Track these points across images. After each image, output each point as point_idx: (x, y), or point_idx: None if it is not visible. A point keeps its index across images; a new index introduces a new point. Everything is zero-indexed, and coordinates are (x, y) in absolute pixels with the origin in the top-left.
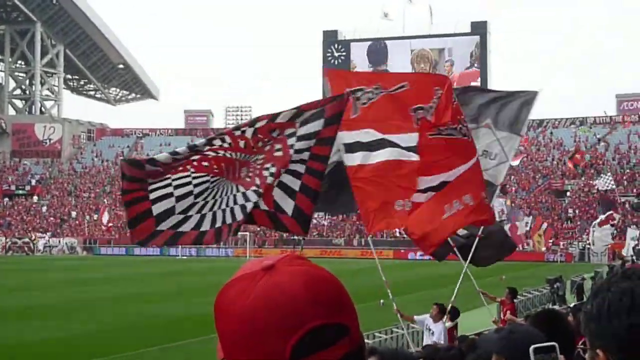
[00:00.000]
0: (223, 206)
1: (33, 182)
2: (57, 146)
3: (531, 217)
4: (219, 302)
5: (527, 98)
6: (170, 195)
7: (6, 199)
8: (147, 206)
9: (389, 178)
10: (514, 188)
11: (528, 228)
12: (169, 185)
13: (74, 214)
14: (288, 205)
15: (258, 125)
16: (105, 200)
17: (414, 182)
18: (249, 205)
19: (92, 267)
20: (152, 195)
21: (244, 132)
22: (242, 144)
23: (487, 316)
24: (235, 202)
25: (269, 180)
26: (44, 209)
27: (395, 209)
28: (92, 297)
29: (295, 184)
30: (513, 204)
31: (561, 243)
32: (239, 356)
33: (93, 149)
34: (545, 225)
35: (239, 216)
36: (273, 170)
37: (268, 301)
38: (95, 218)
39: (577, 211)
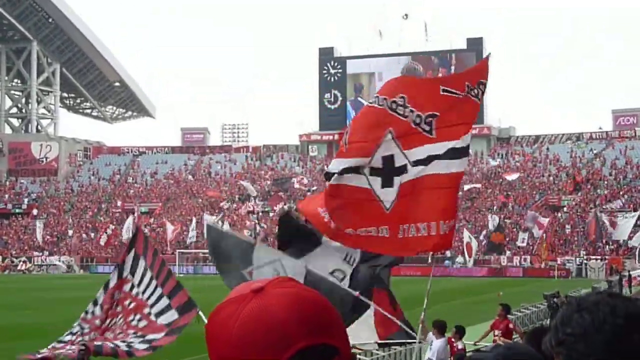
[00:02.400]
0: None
1: (29, 200)
2: (53, 164)
3: (527, 233)
4: (209, 326)
5: None
6: None
7: (2, 219)
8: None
9: (363, 203)
10: (511, 204)
11: (525, 244)
12: None
13: (70, 232)
14: (172, 315)
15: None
16: (102, 218)
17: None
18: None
19: (90, 285)
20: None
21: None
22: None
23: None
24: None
25: (142, 324)
26: (41, 227)
27: (357, 232)
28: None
29: (164, 303)
30: (510, 220)
31: (558, 259)
32: None
33: (90, 167)
34: (543, 243)
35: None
36: (139, 316)
37: (256, 324)
38: (92, 236)
39: (574, 227)
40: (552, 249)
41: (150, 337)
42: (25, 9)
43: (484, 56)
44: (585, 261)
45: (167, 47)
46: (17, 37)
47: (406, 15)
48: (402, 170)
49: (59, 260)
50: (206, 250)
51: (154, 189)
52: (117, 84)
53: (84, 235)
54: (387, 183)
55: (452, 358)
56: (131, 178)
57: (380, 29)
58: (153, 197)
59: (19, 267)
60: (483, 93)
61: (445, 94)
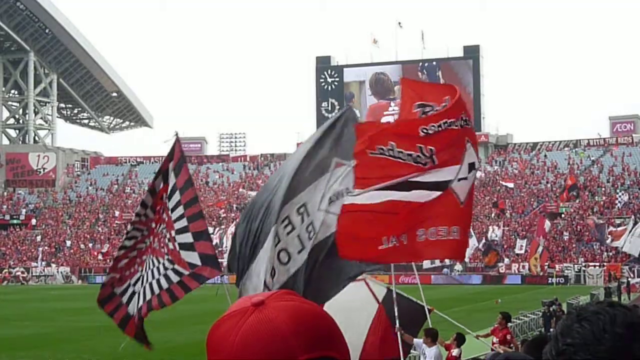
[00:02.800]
0: (146, 282)
1: (27, 211)
2: (51, 175)
3: (526, 240)
4: (210, 340)
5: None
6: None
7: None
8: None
9: (382, 215)
10: (509, 211)
11: (523, 251)
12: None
13: (68, 242)
14: (195, 258)
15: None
16: (100, 229)
17: (410, 222)
18: (172, 278)
19: (88, 296)
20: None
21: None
22: (150, 214)
23: (485, 341)
24: (157, 274)
25: (171, 246)
26: (39, 238)
27: (380, 247)
28: (86, 326)
29: (187, 237)
30: (507, 227)
31: (557, 266)
32: None
33: (87, 177)
34: (541, 248)
35: (164, 285)
36: (169, 235)
37: (257, 337)
38: (90, 246)
39: (572, 234)
40: (551, 256)
41: (178, 268)
42: (22, 19)
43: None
44: (583, 268)
45: (164, 57)
46: (14, 47)
47: (400, 23)
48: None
49: (57, 271)
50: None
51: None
52: (114, 94)
53: (82, 246)
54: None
55: None
56: (129, 188)
57: (376, 37)
58: None
59: (14, 274)
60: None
61: (424, 134)
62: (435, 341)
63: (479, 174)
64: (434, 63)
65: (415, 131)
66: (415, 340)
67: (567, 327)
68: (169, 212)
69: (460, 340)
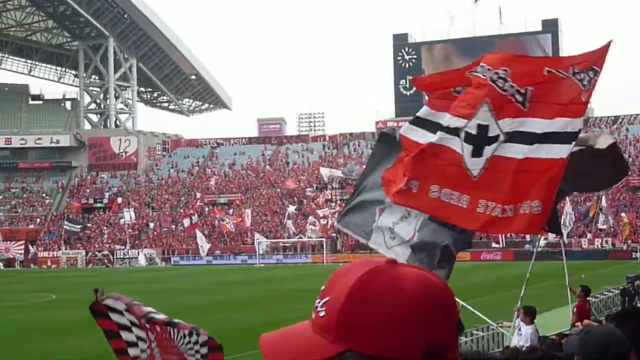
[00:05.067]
0: None
1: (110, 195)
2: (133, 159)
3: (610, 215)
4: (359, 291)
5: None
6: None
7: (85, 213)
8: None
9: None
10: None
11: (606, 226)
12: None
13: (151, 225)
14: None
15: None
16: (182, 210)
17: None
18: None
19: (172, 277)
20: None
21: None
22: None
23: (566, 316)
24: None
25: None
26: (122, 221)
27: (431, 194)
28: (172, 307)
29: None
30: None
31: None
32: (376, 348)
33: (168, 160)
34: (626, 221)
35: None
36: None
37: (429, 298)
38: (173, 228)
39: None
40: (634, 230)
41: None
42: (101, 5)
43: (607, 42)
44: None
45: (242, 39)
46: (94, 34)
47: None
48: (494, 139)
49: (141, 253)
50: (284, 240)
51: (233, 180)
52: (193, 77)
53: (164, 228)
54: (477, 153)
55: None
56: (209, 170)
57: (453, 13)
58: (232, 188)
59: (99, 257)
60: (592, 80)
61: (548, 74)
62: (533, 320)
63: None
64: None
65: (540, 69)
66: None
67: None
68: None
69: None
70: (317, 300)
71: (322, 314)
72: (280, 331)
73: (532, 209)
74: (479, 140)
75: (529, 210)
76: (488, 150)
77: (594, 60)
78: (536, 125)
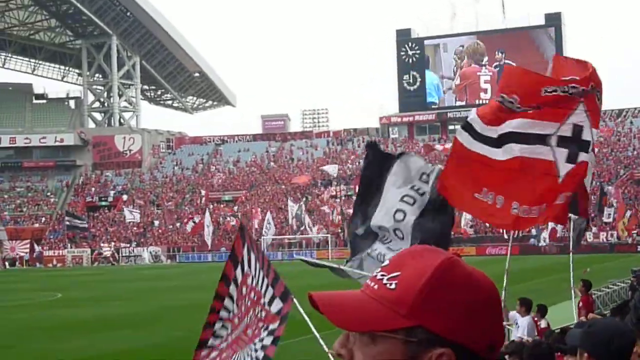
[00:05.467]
0: None
1: (115, 193)
2: (137, 156)
3: (613, 207)
4: (442, 275)
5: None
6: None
7: (90, 212)
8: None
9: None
10: (595, 180)
11: (611, 219)
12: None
13: (156, 222)
14: (278, 303)
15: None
16: (186, 208)
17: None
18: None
19: (177, 275)
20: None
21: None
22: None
23: (570, 310)
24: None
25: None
26: (126, 219)
27: (475, 197)
28: (178, 305)
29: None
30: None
31: None
32: (447, 330)
33: (173, 157)
34: (629, 213)
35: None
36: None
37: (497, 295)
38: (178, 226)
39: None
40: (638, 223)
41: (271, 327)
42: (103, 4)
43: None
44: None
45: (245, 36)
46: (97, 32)
47: None
48: (586, 146)
49: (147, 251)
50: (290, 236)
51: (238, 177)
52: (196, 74)
53: (169, 226)
54: (571, 159)
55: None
56: (214, 167)
57: (456, 8)
58: (237, 185)
59: (104, 255)
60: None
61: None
62: (529, 311)
63: None
64: (514, 32)
65: (537, 88)
66: (510, 313)
67: None
68: (258, 287)
69: (542, 310)
70: (381, 273)
71: (391, 286)
72: (332, 294)
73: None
74: (573, 143)
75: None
76: (582, 156)
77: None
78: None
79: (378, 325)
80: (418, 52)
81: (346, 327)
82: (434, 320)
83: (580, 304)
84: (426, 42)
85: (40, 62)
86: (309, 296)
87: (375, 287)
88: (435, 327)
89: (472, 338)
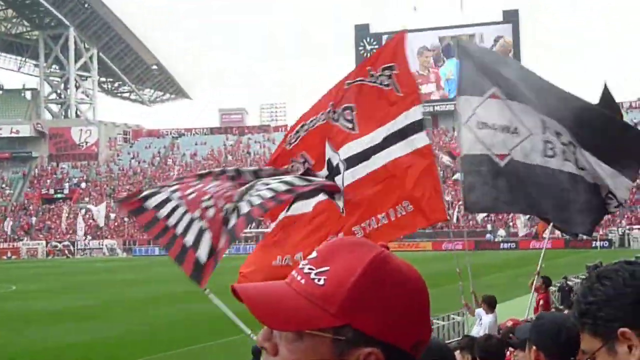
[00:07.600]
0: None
1: (71, 185)
2: (93, 149)
3: None
4: (374, 272)
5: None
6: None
7: (45, 204)
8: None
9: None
10: None
11: None
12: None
13: (112, 215)
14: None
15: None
16: None
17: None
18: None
19: (133, 267)
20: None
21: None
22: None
23: (524, 305)
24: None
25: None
26: (83, 211)
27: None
28: (132, 298)
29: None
30: None
31: (600, 229)
32: (376, 329)
33: (129, 150)
34: None
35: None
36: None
37: (426, 292)
38: (134, 219)
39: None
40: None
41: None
42: None
43: (400, 33)
44: (627, 231)
45: (203, 28)
46: (54, 23)
47: None
48: (337, 170)
49: (102, 244)
50: (247, 230)
51: (195, 170)
52: (154, 66)
53: (125, 219)
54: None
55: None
56: (171, 160)
57: (416, 4)
58: None
59: (59, 248)
60: (392, 76)
61: (348, 87)
62: (493, 308)
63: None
64: (473, 28)
65: (341, 85)
66: (477, 310)
67: (587, 288)
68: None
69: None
70: (309, 266)
71: (320, 282)
72: (257, 287)
73: (407, 209)
74: (331, 175)
75: (407, 209)
76: (338, 180)
77: (391, 57)
78: (367, 140)
79: (305, 325)
80: (376, 47)
81: (272, 326)
82: (363, 319)
83: (541, 301)
84: (384, 37)
85: None
86: (232, 289)
87: (303, 281)
88: (364, 326)
89: (401, 336)
